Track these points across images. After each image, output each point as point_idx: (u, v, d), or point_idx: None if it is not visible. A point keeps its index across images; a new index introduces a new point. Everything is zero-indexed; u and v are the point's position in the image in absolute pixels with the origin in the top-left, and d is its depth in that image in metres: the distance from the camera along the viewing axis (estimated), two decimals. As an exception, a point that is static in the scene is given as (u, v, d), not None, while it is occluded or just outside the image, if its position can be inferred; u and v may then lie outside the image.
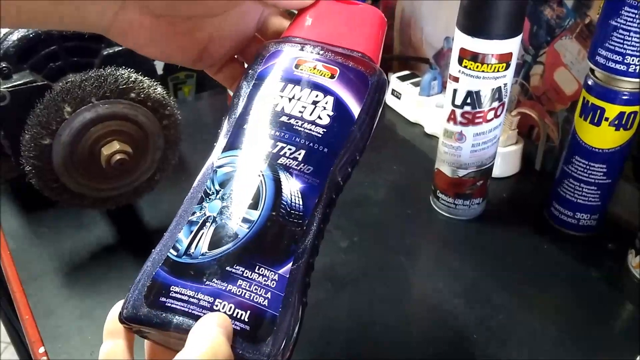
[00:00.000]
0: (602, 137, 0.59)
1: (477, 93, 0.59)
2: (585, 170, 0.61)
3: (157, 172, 0.64)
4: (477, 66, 0.58)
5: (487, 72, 0.58)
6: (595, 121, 0.59)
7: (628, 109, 0.57)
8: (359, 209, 0.70)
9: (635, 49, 0.53)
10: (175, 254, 0.31)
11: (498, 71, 0.58)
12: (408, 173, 0.77)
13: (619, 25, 0.53)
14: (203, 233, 0.31)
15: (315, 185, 0.33)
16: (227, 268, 0.30)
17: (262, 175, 0.32)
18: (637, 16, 0.52)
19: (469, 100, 0.60)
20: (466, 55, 0.58)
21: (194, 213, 0.32)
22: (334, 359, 0.52)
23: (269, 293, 0.30)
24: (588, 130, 0.60)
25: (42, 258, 0.63)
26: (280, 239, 0.31)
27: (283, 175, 0.32)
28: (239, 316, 0.29)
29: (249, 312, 0.29)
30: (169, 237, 0.32)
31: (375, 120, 0.37)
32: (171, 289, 0.30)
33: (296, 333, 0.31)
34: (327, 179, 0.34)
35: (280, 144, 0.33)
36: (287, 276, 0.31)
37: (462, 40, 0.58)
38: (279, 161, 0.33)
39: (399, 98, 0.88)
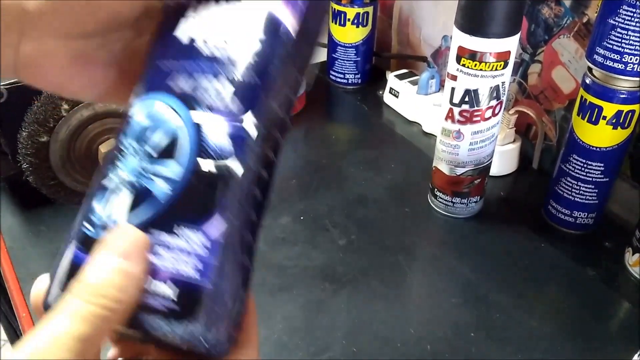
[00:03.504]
0: (600, 136, 0.59)
1: (475, 91, 0.59)
2: (583, 169, 0.62)
3: (154, 170, 0.64)
4: (475, 65, 0.58)
5: (485, 70, 0.58)
6: (593, 120, 0.59)
7: (626, 108, 0.57)
8: (357, 208, 0.70)
9: (633, 47, 0.54)
10: (90, 228, 0.26)
11: (496, 70, 0.58)
12: (406, 171, 0.77)
13: (617, 24, 0.54)
14: (119, 199, 0.26)
15: (246, 124, 0.26)
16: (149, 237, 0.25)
17: (182, 119, 0.26)
18: (635, 15, 0.52)
19: (467, 99, 0.60)
20: (464, 54, 0.58)
21: (106, 176, 0.26)
22: (332, 357, 0.52)
23: (198, 261, 0.24)
24: (586, 129, 0.60)
25: (40, 256, 0.62)
26: (210, 196, 0.25)
27: (206, 117, 0.26)
28: (164, 293, 0.24)
29: (176, 286, 0.24)
30: (83, 209, 0.27)
31: (317, 37, 0.29)
32: None
33: (239, 307, 0.25)
34: (264, 115, 0.26)
35: (198, 77, 0.26)
36: (221, 240, 0.25)
37: (460, 39, 0.58)
38: (198, 98, 0.26)
39: (397, 97, 0.88)
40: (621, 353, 0.53)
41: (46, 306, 0.26)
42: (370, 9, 0.89)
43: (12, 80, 0.60)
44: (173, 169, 0.25)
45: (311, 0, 0.27)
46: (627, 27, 0.53)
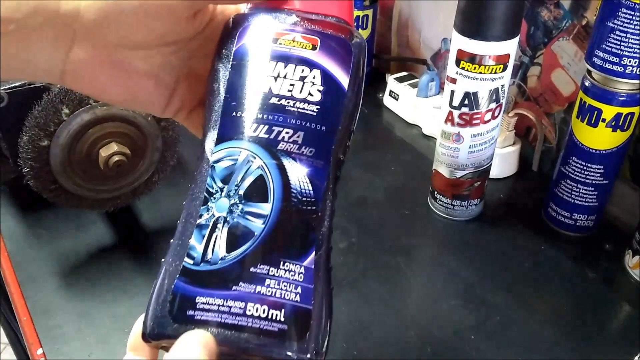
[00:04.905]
0: (599, 138, 0.59)
1: (475, 94, 0.59)
2: (583, 171, 0.62)
3: (155, 174, 0.64)
4: (475, 67, 0.58)
5: (484, 73, 0.58)
6: (592, 122, 0.59)
7: (625, 110, 0.57)
8: (357, 210, 0.70)
9: (632, 50, 0.54)
10: (191, 262, 0.29)
11: (495, 72, 0.58)
12: (406, 174, 0.77)
13: (616, 26, 0.54)
14: (217, 236, 0.30)
15: (321, 167, 0.32)
16: (252, 269, 0.29)
17: (265, 165, 0.31)
18: (634, 17, 0.52)
19: (466, 102, 0.60)
20: (464, 57, 0.58)
21: (201, 215, 0.30)
22: (332, 359, 0.52)
23: (299, 287, 0.30)
24: (585, 131, 0.60)
25: (40, 259, 0.63)
26: (298, 229, 0.31)
27: (286, 162, 0.31)
28: (274, 317, 0.29)
29: (283, 310, 0.29)
30: (179, 245, 0.30)
31: (363, 86, 0.35)
32: (197, 300, 0.28)
33: (330, 322, 0.31)
34: (331, 158, 0.32)
35: (276, 129, 0.31)
36: (313, 267, 0.30)
37: (460, 42, 0.58)
38: (279, 147, 0.31)
39: (397, 99, 0.88)
40: (622, 355, 0.53)
41: (148, 337, 0.29)
42: (369, 12, 0.89)
43: (13, 84, 0.60)
44: (265, 209, 0.30)
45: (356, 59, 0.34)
46: (626, 29, 0.53)
